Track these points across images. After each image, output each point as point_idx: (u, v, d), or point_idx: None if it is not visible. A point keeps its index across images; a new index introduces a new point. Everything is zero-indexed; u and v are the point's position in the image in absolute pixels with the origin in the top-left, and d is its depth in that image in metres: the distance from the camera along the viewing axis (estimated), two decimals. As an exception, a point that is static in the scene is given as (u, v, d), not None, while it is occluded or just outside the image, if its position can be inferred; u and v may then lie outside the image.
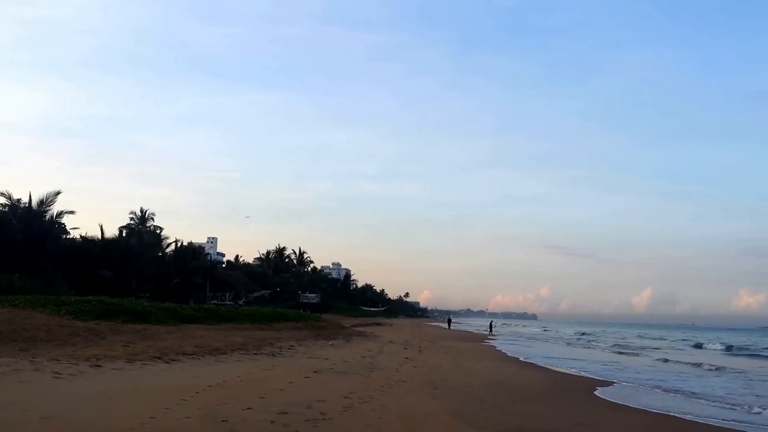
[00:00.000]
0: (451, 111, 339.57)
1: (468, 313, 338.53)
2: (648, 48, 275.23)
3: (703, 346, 52.25)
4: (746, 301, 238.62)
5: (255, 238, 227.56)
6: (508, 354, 31.39)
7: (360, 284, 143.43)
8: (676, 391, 17.38)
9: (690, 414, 13.20)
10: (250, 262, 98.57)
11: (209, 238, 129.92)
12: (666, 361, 31.69)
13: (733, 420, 12.65)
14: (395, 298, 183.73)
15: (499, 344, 41.98)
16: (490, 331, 65.08)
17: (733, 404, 15.04)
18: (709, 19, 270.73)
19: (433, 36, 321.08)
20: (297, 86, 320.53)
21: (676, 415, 13.01)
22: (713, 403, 15.23)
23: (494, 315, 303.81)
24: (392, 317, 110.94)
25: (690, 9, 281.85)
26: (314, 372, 15.62)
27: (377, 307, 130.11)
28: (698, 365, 28.44)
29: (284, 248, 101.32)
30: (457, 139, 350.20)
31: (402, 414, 10.56)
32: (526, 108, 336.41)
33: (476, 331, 71.18)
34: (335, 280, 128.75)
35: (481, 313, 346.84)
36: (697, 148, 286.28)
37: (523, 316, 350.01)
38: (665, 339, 67.62)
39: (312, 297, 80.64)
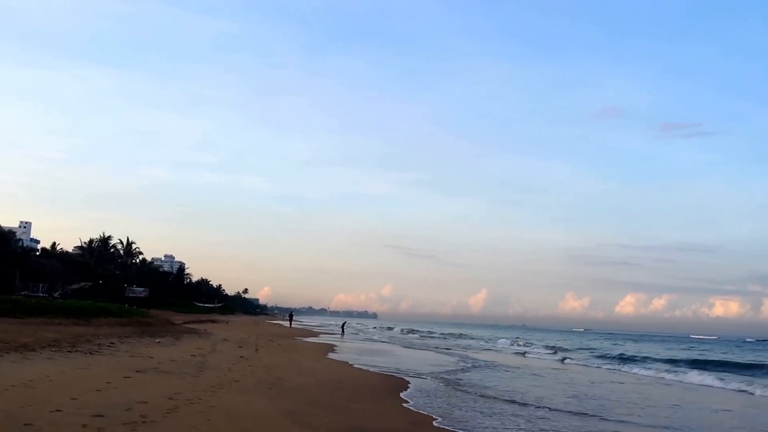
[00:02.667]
0: (298, 106, 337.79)
1: (310, 311, 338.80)
2: (495, 62, 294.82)
3: (522, 350, 56.64)
4: (572, 304, 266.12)
5: (78, 225, 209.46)
6: (348, 353, 31.59)
7: (195, 278, 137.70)
8: (485, 387, 18.42)
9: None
10: (70, 250, 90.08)
11: (22, 222, 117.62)
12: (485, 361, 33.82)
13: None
14: (233, 294, 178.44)
15: (340, 343, 42.24)
16: (343, 332, 62.20)
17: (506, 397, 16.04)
18: (552, 39, 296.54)
19: (283, 29, 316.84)
20: (135, 66, 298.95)
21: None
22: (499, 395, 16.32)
23: (336, 313, 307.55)
24: (229, 314, 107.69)
25: (535, 29, 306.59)
26: (137, 371, 14.41)
27: (213, 303, 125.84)
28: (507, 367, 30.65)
29: (110, 237, 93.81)
30: (303, 134, 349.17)
31: (232, 415, 9.98)
32: (374, 109, 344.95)
33: (318, 330, 71.30)
34: (167, 274, 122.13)
35: (322, 311, 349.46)
36: (534, 160, 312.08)
37: (364, 315, 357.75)
38: (479, 338, 72.53)
39: (140, 291, 75.99)
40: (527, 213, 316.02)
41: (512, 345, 55.58)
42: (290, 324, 74.35)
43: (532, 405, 14.65)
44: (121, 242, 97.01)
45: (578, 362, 36.16)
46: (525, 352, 44.48)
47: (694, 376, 26.33)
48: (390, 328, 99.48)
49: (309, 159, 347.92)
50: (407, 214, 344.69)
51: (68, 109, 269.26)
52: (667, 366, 33.39)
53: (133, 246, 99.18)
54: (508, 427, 11.62)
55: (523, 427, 11.71)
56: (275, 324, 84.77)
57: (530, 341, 63.92)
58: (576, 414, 13.71)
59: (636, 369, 31.20)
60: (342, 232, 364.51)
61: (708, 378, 25.64)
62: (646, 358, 40.64)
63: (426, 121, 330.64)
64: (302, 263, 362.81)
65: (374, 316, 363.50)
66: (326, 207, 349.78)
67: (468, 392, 16.66)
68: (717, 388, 23.09)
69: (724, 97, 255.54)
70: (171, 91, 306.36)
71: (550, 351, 46.66)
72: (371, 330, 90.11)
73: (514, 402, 15.06)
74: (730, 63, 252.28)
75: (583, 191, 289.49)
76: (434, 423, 11.42)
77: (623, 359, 38.77)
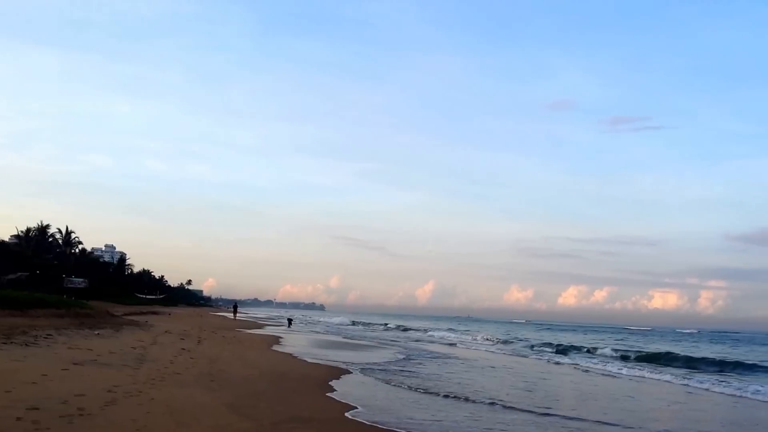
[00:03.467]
0: (246, 92, 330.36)
1: (255, 302, 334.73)
2: (450, 52, 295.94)
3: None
4: (516, 296, 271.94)
5: (14, 213, 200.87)
6: (293, 346, 31.63)
7: (137, 269, 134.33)
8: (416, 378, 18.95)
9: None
10: (6, 239, 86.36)
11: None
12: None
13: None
14: (176, 285, 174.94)
15: (286, 335, 42.15)
16: (289, 326, 60.81)
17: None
18: (506, 30, 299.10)
19: (233, 11, 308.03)
20: (74, 46, 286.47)
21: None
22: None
23: (282, 305, 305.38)
24: (172, 306, 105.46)
25: (490, 19, 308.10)
26: (74, 364, 14.16)
27: (155, 294, 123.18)
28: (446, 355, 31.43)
29: (48, 226, 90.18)
30: (252, 121, 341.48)
31: (172, 408, 10.01)
32: (326, 97, 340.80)
33: (263, 321, 70.80)
34: (107, 264, 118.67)
35: (268, 303, 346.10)
36: (486, 152, 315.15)
37: (311, 307, 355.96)
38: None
39: (79, 282, 73.72)
40: (477, 205, 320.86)
41: (450, 335, 56.61)
42: (234, 316, 73.29)
43: (455, 395, 15.00)
44: (60, 231, 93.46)
45: (506, 352, 37.27)
46: (457, 343, 45.58)
47: (618, 367, 27.74)
48: (337, 320, 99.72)
49: (257, 147, 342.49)
50: (357, 205, 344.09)
51: (3, 92, 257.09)
52: (594, 357, 35.12)
53: (73, 235, 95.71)
54: (429, 415, 12.04)
55: (437, 416, 12.15)
56: (219, 316, 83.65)
57: (468, 332, 66.06)
58: (496, 405, 14.27)
59: (563, 359, 32.76)
60: (290, 223, 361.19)
61: (635, 370, 26.99)
62: (577, 347, 42.36)
63: (379, 111, 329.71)
64: (248, 254, 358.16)
65: (321, 307, 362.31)
66: (274, 196, 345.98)
67: (401, 384, 17.03)
68: (649, 379, 24.19)
69: (674, 92, 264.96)
70: (114, 73, 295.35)
71: (487, 342, 48.22)
72: (318, 321, 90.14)
73: (436, 393, 15.24)
74: (680, 58, 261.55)
75: (533, 184, 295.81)
76: (360, 410, 11.72)
77: (561, 350, 40.25)
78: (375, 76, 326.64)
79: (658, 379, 23.56)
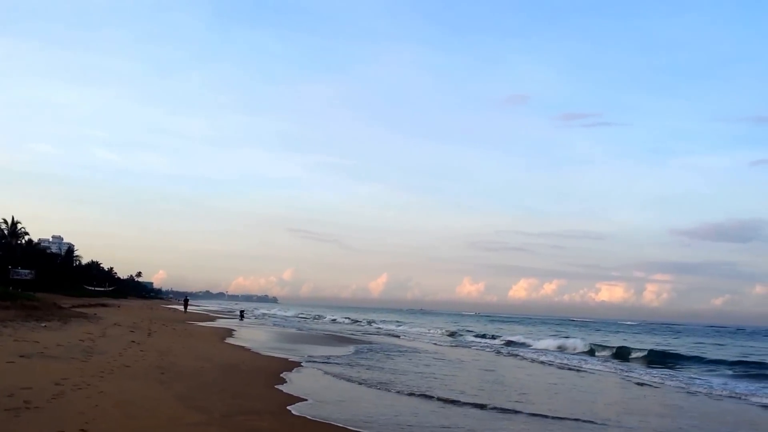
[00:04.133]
0: (200, 81, 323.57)
1: (207, 295, 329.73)
2: (406, 45, 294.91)
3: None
4: (468, 289, 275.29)
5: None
6: (245, 338, 31.55)
7: (85, 261, 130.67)
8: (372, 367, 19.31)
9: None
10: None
11: None
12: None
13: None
14: (126, 277, 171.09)
15: (238, 328, 41.90)
16: (241, 318, 60.76)
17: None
18: (463, 24, 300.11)
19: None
20: (20, 32, 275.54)
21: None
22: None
23: (234, 297, 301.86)
24: (121, 298, 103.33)
25: (446, 12, 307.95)
26: (21, 356, 13.94)
27: (104, 286, 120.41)
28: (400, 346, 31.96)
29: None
30: (205, 111, 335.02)
31: (121, 400, 10.02)
32: (281, 88, 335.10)
33: (215, 314, 70.01)
34: (55, 256, 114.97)
35: (220, 296, 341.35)
36: (441, 145, 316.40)
37: (264, 299, 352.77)
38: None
39: (25, 273, 71.55)
40: (432, 198, 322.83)
41: (399, 329, 57.11)
42: (185, 308, 72.05)
43: (406, 390, 15.45)
44: (6, 222, 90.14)
45: (452, 344, 38.12)
46: (401, 334, 46.57)
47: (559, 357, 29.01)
48: (290, 313, 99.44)
49: (211, 138, 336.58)
50: (311, 198, 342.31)
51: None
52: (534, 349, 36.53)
53: (18, 226, 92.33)
54: (375, 407, 12.37)
55: (384, 411, 12.50)
56: (170, 308, 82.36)
57: (415, 324, 67.60)
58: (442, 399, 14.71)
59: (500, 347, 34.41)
60: (242, 215, 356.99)
61: (574, 360, 28.15)
62: (517, 342, 43.60)
63: (335, 103, 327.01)
64: (200, 246, 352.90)
65: (274, 300, 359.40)
66: (227, 188, 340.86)
67: (351, 378, 17.32)
68: (589, 371, 25.12)
69: (625, 89, 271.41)
70: (61, 60, 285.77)
71: (434, 334, 49.47)
72: (270, 314, 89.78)
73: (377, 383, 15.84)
74: (632, 57, 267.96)
75: (487, 178, 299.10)
76: (309, 402, 11.93)
77: (508, 343, 41.38)
78: (331, 68, 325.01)
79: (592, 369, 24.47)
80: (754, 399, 16.85)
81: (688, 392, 18.18)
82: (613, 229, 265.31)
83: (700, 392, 18.19)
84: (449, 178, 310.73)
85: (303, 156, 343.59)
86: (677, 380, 21.19)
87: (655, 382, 20.34)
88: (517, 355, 30.10)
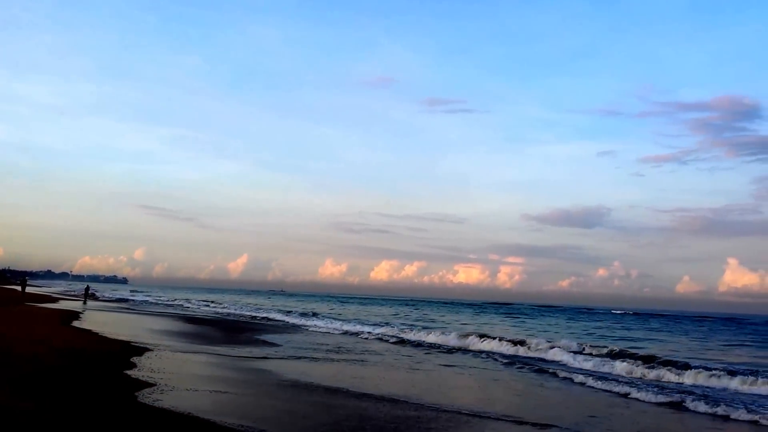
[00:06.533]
0: (46, 43, 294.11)
1: (49, 275, 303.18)
2: (273, 20, 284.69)
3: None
4: (331, 270, 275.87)
5: None
6: (91, 321, 29.71)
7: None
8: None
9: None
10: None
11: None
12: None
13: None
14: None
15: (81, 310, 39.25)
16: (85, 299, 56.44)
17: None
18: (335, 1, 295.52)
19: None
20: None
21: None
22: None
23: (80, 278, 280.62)
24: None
25: None
26: None
27: None
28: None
29: None
30: (51, 76, 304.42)
31: (-59, 389, 9.14)
32: (134, 56, 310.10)
33: (57, 296, 64.89)
34: None
35: (64, 276, 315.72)
36: (304, 124, 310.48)
37: (113, 280, 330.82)
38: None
39: None
40: (294, 178, 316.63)
41: (250, 311, 56.61)
42: (23, 289, 65.34)
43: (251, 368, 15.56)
44: None
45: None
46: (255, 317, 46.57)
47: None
48: (140, 294, 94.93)
49: (55, 105, 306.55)
50: (167, 173, 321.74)
51: None
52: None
53: None
54: (215, 390, 12.41)
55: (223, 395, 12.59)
56: (7, 289, 75.13)
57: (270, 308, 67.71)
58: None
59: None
60: (90, 189, 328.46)
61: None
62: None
63: (194, 75, 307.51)
64: (41, 221, 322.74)
65: (124, 281, 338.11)
66: (74, 160, 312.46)
67: (198, 361, 17.12)
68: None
69: (488, 77, 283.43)
70: None
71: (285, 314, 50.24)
72: (119, 295, 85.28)
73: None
74: (493, 46, 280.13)
75: (350, 159, 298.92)
76: (157, 387, 11.73)
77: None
78: (195, 39, 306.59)
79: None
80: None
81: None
82: (471, 213, 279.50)
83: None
84: (314, 157, 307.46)
85: (159, 129, 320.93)
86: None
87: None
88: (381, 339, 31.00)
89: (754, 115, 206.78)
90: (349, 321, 43.84)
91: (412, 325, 41.39)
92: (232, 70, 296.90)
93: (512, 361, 21.77)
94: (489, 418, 11.06)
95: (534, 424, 10.58)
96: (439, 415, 10.96)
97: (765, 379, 16.91)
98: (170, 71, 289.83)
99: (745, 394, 15.86)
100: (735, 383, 16.94)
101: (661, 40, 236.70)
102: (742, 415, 12.56)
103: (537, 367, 19.78)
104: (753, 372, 18.39)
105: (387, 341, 28.46)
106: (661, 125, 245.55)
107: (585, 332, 43.25)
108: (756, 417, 12.37)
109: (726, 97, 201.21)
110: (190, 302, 72.07)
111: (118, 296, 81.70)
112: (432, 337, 29.83)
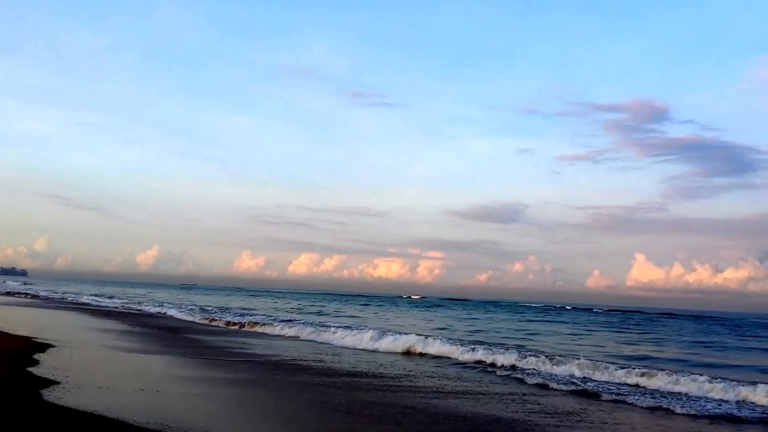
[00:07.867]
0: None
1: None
2: (189, 3, 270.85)
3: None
4: (247, 263, 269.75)
5: None
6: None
7: None
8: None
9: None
10: None
11: None
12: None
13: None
14: None
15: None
16: None
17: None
18: None
19: None
20: None
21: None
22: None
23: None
24: None
25: None
26: None
27: None
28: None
29: None
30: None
31: None
32: (35, 33, 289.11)
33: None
34: None
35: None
36: (219, 112, 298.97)
37: (11, 272, 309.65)
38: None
39: None
40: (209, 168, 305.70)
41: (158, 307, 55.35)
42: None
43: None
44: None
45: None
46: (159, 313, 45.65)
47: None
48: (41, 288, 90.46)
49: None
50: (70, 160, 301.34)
51: None
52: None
53: None
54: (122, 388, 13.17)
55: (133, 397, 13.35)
56: None
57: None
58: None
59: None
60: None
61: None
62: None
63: (103, 53, 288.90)
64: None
65: (23, 273, 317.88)
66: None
67: (105, 359, 17.51)
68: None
69: (410, 72, 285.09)
70: None
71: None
72: (18, 288, 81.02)
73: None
74: (415, 40, 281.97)
75: (269, 150, 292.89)
76: (61, 385, 11.74)
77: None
78: (104, 16, 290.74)
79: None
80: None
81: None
82: (391, 207, 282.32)
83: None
84: (229, 147, 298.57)
85: (63, 111, 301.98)
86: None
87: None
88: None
89: (663, 118, 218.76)
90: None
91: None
92: (142, 52, 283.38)
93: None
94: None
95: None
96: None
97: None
98: (75, 50, 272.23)
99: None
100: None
101: (578, 42, 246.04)
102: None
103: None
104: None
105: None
106: (578, 125, 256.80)
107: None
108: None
109: (637, 100, 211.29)
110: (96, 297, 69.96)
111: (16, 288, 77.73)
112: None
